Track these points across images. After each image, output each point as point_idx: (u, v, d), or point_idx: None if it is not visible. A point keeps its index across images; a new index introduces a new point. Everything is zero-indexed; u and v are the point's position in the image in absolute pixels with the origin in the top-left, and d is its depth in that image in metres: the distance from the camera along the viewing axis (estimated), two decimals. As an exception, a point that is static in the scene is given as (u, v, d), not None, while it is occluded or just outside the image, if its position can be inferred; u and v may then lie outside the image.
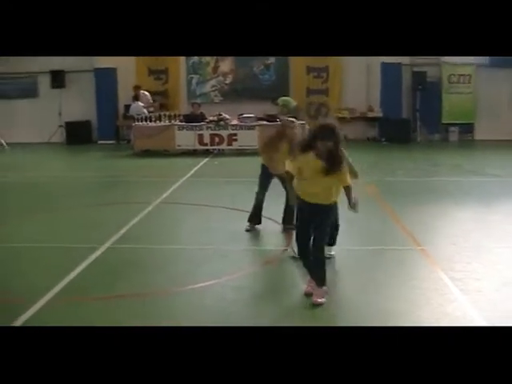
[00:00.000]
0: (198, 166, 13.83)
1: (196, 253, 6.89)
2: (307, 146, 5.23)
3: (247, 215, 7.90)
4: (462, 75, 19.68)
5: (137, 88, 18.16)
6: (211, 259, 6.60)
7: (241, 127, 16.24)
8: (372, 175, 11.72)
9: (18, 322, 4.86)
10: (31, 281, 6.01)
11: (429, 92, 19.20)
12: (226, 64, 19.91)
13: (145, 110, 17.29)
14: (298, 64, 19.69)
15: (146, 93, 18.37)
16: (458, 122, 19.76)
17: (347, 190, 5.29)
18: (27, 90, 20.74)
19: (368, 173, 12.03)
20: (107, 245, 7.16)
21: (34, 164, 14.91)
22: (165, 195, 10.21)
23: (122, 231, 7.79)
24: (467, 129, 19.90)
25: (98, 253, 6.84)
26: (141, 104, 17.64)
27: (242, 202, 8.97)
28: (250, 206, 7.85)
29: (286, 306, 5.36)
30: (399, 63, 19.11)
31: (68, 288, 5.74)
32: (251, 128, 16.13)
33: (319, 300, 5.23)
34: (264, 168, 7.64)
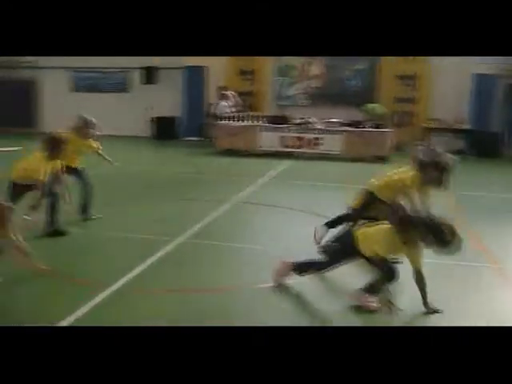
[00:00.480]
0: (279, 168, 13.84)
1: (266, 253, 6.88)
2: None
3: (323, 220, 7.82)
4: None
5: (222, 88, 18.39)
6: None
7: (325, 131, 16.14)
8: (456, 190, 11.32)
9: (87, 307, 5.02)
10: (108, 267, 6.21)
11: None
12: (315, 68, 19.85)
13: (228, 110, 17.52)
14: (386, 71, 19.40)
15: (235, 93, 18.57)
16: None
17: None
18: (118, 84, 21.44)
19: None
20: (181, 239, 7.27)
21: (123, 157, 15.27)
22: (243, 194, 10.27)
23: (198, 226, 7.89)
24: None
25: (171, 246, 6.96)
26: (225, 104, 17.88)
27: (321, 206, 8.94)
28: (328, 211, 7.75)
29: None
30: (493, 75, 18.49)
31: (139, 278, 5.85)
32: (336, 133, 16.02)
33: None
34: None
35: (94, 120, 8.09)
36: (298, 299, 5.43)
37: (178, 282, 5.82)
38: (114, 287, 5.54)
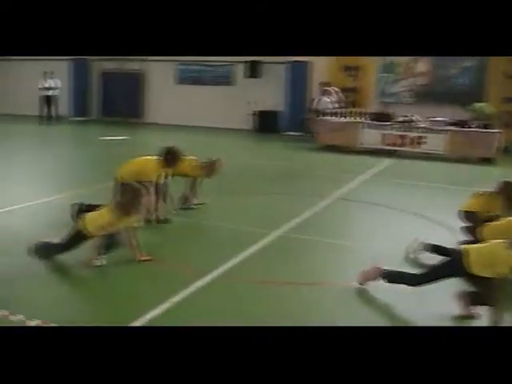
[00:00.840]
0: (380, 166, 13.62)
1: (364, 252, 6.79)
2: None
3: (424, 221, 7.65)
4: None
5: (325, 84, 18.30)
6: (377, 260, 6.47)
7: (429, 130, 15.70)
8: None
9: (183, 294, 5.14)
10: (207, 256, 6.37)
11: None
12: (421, 65, 19.37)
13: (330, 106, 17.43)
14: (494, 69, 18.63)
15: (336, 89, 18.44)
16: None
17: None
18: (223, 77, 21.78)
19: None
20: (280, 232, 7.31)
21: (226, 150, 15.54)
22: (342, 191, 10.18)
23: (296, 221, 7.90)
24: None
25: (270, 238, 7.01)
26: (328, 100, 17.80)
27: (422, 207, 8.74)
28: (428, 211, 7.57)
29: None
30: None
31: (236, 268, 5.94)
32: (440, 132, 15.56)
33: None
34: None
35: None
36: (381, 301, 5.33)
37: (270, 274, 5.86)
38: (211, 276, 5.65)
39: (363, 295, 5.41)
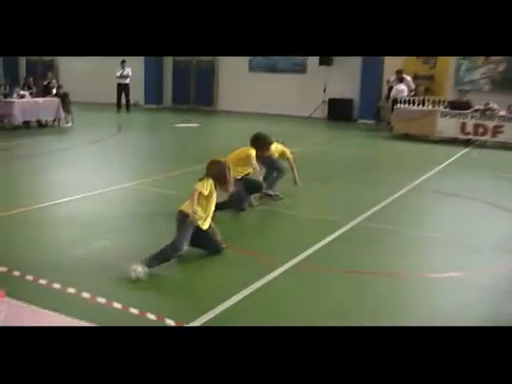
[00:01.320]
0: (457, 155, 13.33)
1: (444, 242, 6.68)
2: None
3: (506, 213, 7.48)
4: None
5: (399, 72, 18.02)
6: (457, 252, 6.37)
7: (509, 119, 15.24)
8: None
9: (262, 282, 5.21)
10: (282, 245, 6.43)
11: None
12: (501, 51, 18.77)
13: (405, 94, 17.17)
14: None
15: (409, 78, 18.13)
16: None
17: None
18: (296, 65, 21.73)
19: None
20: (356, 221, 7.27)
21: (302, 136, 15.52)
22: (419, 181, 10.02)
23: (373, 210, 7.84)
24: None
25: (347, 227, 6.98)
26: (404, 87, 17.53)
27: (503, 198, 8.54)
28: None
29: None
30: None
31: (313, 256, 5.95)
32: (521, 121, 15.09)
33: None
34: None
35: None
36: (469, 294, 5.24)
37: (347, 264, 5.85)
38: (292, 263, 5.69)
39: (446, 286, 5.35)
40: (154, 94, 24.42)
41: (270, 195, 8.24)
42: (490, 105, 15.55)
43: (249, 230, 7.24)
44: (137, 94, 23.30)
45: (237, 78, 22.66)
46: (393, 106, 16.89)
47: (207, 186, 5.64)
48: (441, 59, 19.41)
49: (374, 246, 6.40)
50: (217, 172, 5.78)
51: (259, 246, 6.32)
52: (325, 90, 20.84)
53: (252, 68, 22.61)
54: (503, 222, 7.54)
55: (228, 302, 4.72)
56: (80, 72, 24.66)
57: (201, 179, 5.72)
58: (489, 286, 5.36)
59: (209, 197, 5.71)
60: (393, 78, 18.33)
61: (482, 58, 19.01)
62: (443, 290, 5.31)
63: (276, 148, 8.28)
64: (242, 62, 22.48)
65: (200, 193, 5.61)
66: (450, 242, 6.64)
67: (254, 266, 5.67)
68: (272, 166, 8.37)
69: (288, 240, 6.61)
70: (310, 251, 6.06)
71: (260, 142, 7.76)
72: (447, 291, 5.26)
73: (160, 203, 7.92)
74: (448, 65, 19.44)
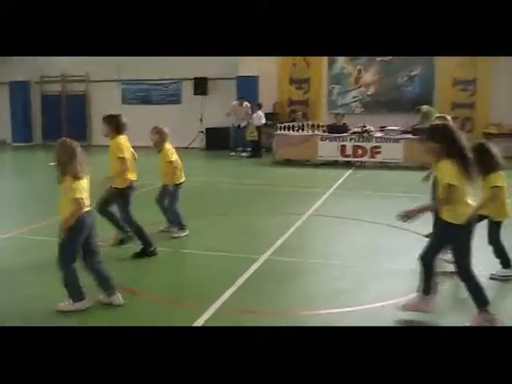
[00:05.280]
0: (343, 178, 13.50)
1: (355, 270, 6.56)
2: None
3: (404, 233, 7.48)
4: None
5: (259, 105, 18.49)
6: (373, 278, 6.24)
7: (385, 140, 15.73)
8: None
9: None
10: (200, 289, 5.96)
11: None
12: (369, 75, 19.49)
13: (263, 121, 17.80)
14: (443, 76, 18.92)
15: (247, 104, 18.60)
16: None
17: None
18: (171, 95, 21.39)
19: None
20: (266, 256, 6.97)
21: (184, 167, 15.07)
22: (315, 207, 9.95)
23: (279, 242, 7.58)
24: None
25: (257, 264, 6.66)
26: (261, 113, 17.83)
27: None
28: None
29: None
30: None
31: (232, 300, 5.58)
32: (395, 141, 15.61)
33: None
34: None
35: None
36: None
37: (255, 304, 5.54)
38: (211, 310, 5.27)
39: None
40: (22, 130, 22.94)
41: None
42: (367, 127, 16.00)
43: (162, 274, 6.61)
44: (3, 132, 21.92)
45: (110, 110, 21.76)
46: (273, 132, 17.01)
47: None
48: (313, 84, 19.80)
49: (286, 282, 6.13)
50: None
51: (177, 292, 5.85)
52: (201, 120, 20.58)
53: (125, 100, 21.97)
54: (407, 242, 7.49)
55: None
56: None
57: None
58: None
59: None
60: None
61: (352, 82, 19.61)
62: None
63: None
64: (115, 93, 21.80)
65: None
66: (360, 269, 6.51)
67: (178, 313, 5.20)
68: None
69: (203, 284, 6.14)
70: (227, 294, 5.67)
71: None
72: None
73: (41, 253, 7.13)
74: (321, 89, 19.87)
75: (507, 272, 6.13)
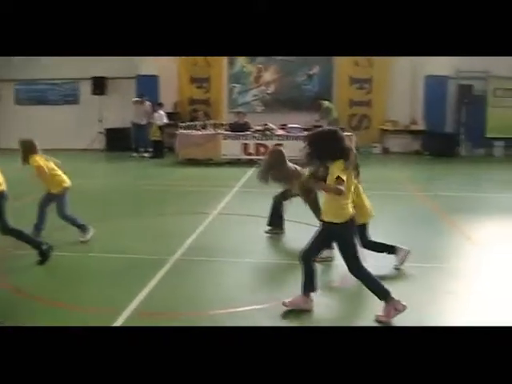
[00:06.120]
0: (247, 176, 13.60)
1: (265, 267, 6.67)
2: None
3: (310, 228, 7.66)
4: (508, 89, 19.29)
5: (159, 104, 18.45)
6: (283, 274, 6.36)
7: (287, 137, 16.01)
8: (426, 190, 11.62)
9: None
10: (109, 292, 5.83)
11: (474, 106, 18.82)
12: (269, 73, 19.75)
13: (165, 120, 17.74)
14: (341, 75, 19.49)
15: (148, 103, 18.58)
16: (503, 136, 19.36)
17: None
18: (68, 96, 20.81)
19: (422, 188, 11.91)
20: (176, 256, 6.94)
21: (79, 170, 14.74)
22: (221, 205, 10.00)
23: (189, 242, 7.56)
24: (513, 143, 19.52)
25: (168, 265, 6.61)
26: (162, 112, 17.74)
27: (303, 214, 8.73)
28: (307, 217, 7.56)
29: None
30: (445, 76, 18.81)
31: (144, 303, 5.51)
32: (297, 139, 15.88)
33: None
34: None
35: None
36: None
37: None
38: (125, 315, 5.19)
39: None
40: None
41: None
42: (268, 125, 16.22)
43: (69, 280, 6.35)
44: None
45: (2, 111, 20.94)
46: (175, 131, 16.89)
47: None
48: (214, 82, 19.84)
49: (198, 283, 6.14)
50: None
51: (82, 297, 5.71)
52: (101, 121, 20.13)
53: (19, 101, 21.12)
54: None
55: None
56: None
57: None
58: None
59: None
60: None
61: (253, 81, 19.81)
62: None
63: None
64: (7, 94, 20.92)
65: None
66: (275, 266, 6.61)
67: (88, 320, 5.06)
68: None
69: (114, 286, 6.00)
70: (139, 297, 5.60)
71: None
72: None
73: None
74: (221, 88, 19.94)
75: (401, 255, 6.40)
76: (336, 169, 4.80)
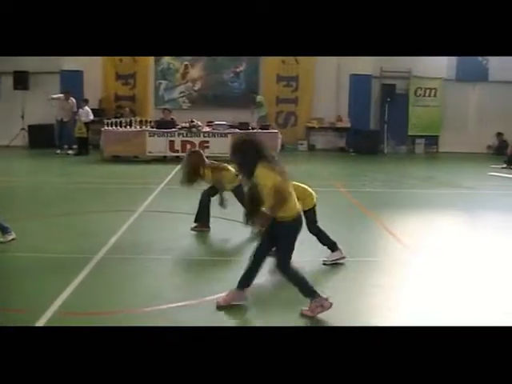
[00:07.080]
0: (172, 174, 13.53)
1: (192, 263, 6.69)
2: None
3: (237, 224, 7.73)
4: (428, 88, 19.96)
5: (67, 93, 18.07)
6: (212, 271, 6.41)
7: (213, 134, 16.05)
8: (350, 186, 11.88)
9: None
10: (30, 293, 5.69)
11: (397, 104, 19.40)
12: (196, 70, 19.72)
13: (91, 116, 17.46)
14: (268, 72, 19.66)
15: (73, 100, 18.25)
16: (423, 134, 20.05)
17: None
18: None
19: (347, 184, 12.19)
20: (100, 255, 6.85)
21: (0, 168, 14.38)
22: (147, 203, 9.93)
23: (113, 240, 7.48)
24: (432, 141, 20.20)
25: (92, 264, 6.52)
26: (87, 109, 17.46)
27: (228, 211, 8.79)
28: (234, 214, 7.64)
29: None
30: (369, 75, 19.27)
31: (68, 302, 5.43)
32: (223, 135, 15.96)
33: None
34: None
35: None
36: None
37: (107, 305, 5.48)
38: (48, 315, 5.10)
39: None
40: None
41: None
42: (195, 122, 16.19)
43: None
44: None
45: None
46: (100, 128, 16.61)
47: None
48: (140, 79, 19.62)
49: (124, 281, 6.11)
50: None
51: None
52: (23, 117, 19.56)
53: None
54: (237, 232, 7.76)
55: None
56: None
57: None
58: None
59: None
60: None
61: (179, 78, 19.71)
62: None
63: None
64: None
65: None
66: (200, 262, 6.64)
67: (7, 320, 4.93)
68: None
69: (35, 286, 5.86)
70: (62, 297, 5.50)
71: None
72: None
73: None
74: (147, 84, 19.75)
75: (336, 255, 6.55)
76: (263, 175, 4.85)
